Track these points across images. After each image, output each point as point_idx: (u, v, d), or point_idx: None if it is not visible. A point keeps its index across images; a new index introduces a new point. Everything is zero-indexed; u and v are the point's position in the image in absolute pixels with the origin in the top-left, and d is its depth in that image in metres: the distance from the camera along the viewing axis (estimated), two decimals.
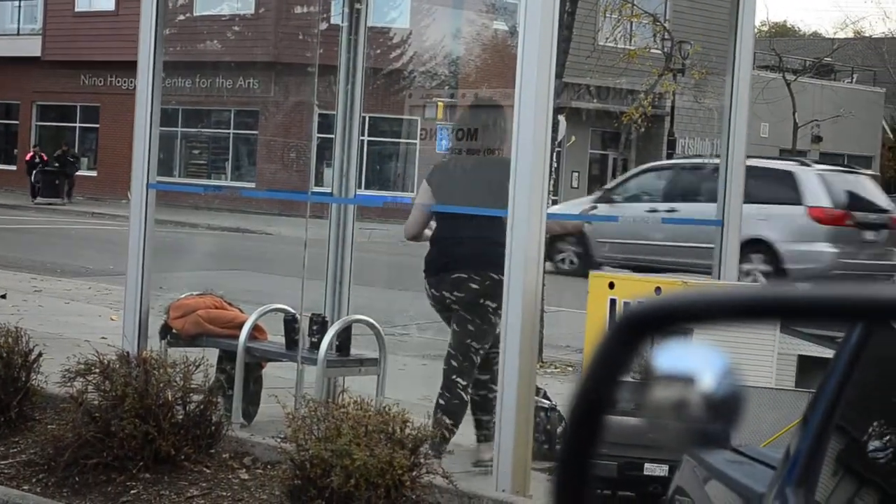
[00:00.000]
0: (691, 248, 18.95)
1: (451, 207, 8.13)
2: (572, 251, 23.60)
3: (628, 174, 25.77)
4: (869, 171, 24.96)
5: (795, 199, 21.23)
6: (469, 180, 8.20)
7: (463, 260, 8.08)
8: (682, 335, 1.92)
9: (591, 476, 1.91)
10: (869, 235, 21.43)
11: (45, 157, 43.38)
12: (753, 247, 20.05)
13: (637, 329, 1.90)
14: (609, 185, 25.72)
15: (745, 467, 3.70)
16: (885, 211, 21.92)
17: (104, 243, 24.21)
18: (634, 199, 23.03)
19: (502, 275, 7.29)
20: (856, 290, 1.87)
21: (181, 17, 37.85)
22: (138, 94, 9.15)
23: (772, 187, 20.85)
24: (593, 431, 1.90)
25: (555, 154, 15.04)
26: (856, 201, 21.54)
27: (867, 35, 63.80)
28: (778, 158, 29.43)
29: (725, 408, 1.88)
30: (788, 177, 21.56)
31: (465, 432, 8.60)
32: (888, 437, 2.59)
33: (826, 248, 20.94)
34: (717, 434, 1.92)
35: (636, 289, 7.38)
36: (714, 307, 1.93)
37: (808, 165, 23.04)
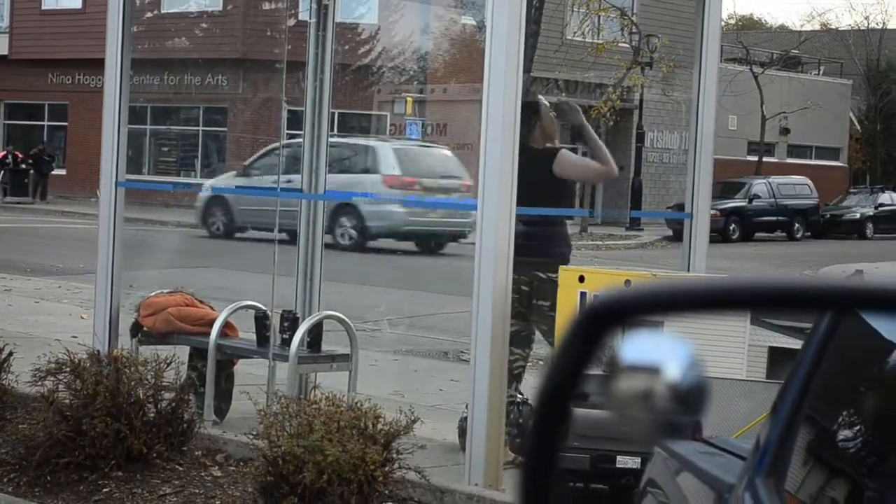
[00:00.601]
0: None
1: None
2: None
3: (262, 151, 27.92)
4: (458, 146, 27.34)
5: (375, 169, 25.85)
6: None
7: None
8: (647, 326, 1.93)
9: (558, 468, 1.92)
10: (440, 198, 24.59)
11: (21, 156, 43.16)
12: (344, 209, 24.91)
13: (600, 321, 1.92)
14: (247, 162, 28.27)
15: (716, 458, 3.72)
16: (456, 177, 24.96)
17: (74, 242, 24.13)
18: (270, 172, 24.77)
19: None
20: (819, 280, 1.89)
21: (149, 15, 37.73)
22: (106, 91, 9.12)
23: (359, 160, 26.09)
24: (559, 424, 1.91)
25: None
26: (427, 170, 25.45)
27: (834, 27, 64.07)
28: (364, 136, 32.93)
29: (691, 398, 1.90)
30: (371, 151, 26.77)
31: (437, 427, 8.61)
32: (857, 427, 2.61)
33: (396, 208, 25.25)
34: (683, 424, 1.93)
35: (606, 282, 7.40)
36: (676, 298, 1.94)
37: (387, 141, 27.87)
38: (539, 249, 8.18)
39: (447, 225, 24.45)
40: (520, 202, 7.40)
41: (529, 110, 8.34)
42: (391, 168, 25.66)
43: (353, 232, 25.31)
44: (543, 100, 8.84)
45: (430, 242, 25.31)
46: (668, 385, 1.88)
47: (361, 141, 28.67)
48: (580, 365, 1.89)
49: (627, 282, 7.10)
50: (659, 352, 1.90)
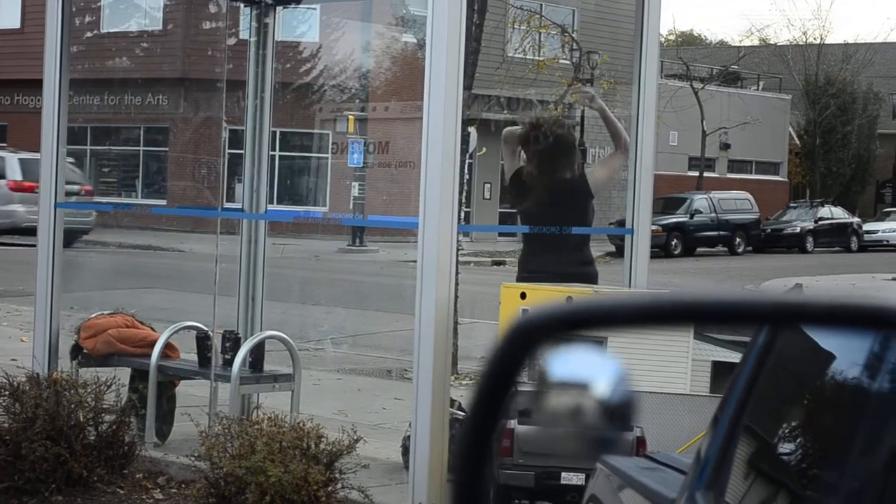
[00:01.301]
0: None
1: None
2: None
3: None
4: None
5: (3, 175, 31.23)
6: None
7: None
8: (575, 342, 1.93)
9: (486, 483, 1.91)
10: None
11: None
12: None
13: (528, 337, 1.92)
14: None
15: (658, 474, 3.72)
16: (77, 183, 27.68)
17: (12, 263, 23.92)
18: None
19: None
20: (750, 296, 1.90)
21: (88, 34, 37.51)
22: (44, 112, 9.05)
23: None
24: (487, 439, 1.91)
25: (466, 165, 15.06)
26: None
27: (772, 43, 64.58)
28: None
29: (620, 413, 1.90)
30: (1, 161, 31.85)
31: (381, 446, 8.59)
32: (797, 439, 2.62)
33: (19, 208, 29.56)
34: (612, 438, 1.94)
35: (547, 299, 7.40)
36: (603, 314, 1.95)
37: (15, 154, 32.12)
38: (581, 276, 8.38)
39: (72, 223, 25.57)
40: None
41: (568, 143, 8.81)
42: (15, 174, 31.10)
43: None
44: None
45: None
46: (597, 400, 1.88)
47: None
48: (508, 381, 1.89)
49: (569, 298, 7.12)
50: (587, 368, 1.91)
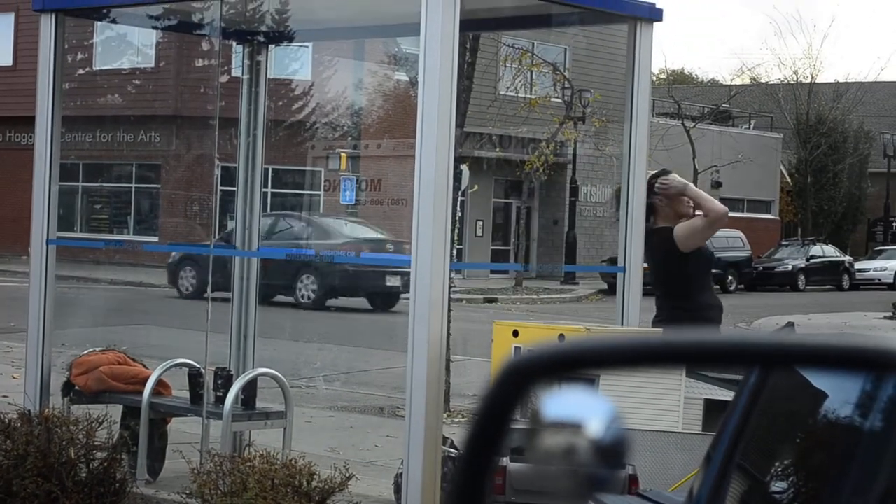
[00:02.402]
0: None
1: None
2: None
3: None
4: None
5: None
6: None
7: None
8: (569, 382, 1.94)
9: None
10: None
11: None
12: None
13: (522, 376, 1.93)
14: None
15: None
16: None
17: (5, 300, 23.88)
18: None
19: None
20: (741, 337, 1.91)
21: (81, 72, 37.56)
22: (37, 149, 9.06)
23: None
24: (481, 479, 1.91)
25: (458, 203, 15.07)
26: None
27: (763, 82, 64.74)
28: None
29: (612, 452, 1.91)
30: None
31: (373, 484, 8.57)
32: (789, 478, 2.62)
33: None
34: (605, 478, 1.94)
35: (540, 336, 7.41)
36: (597, 354, 1.95)
37: None
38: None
39: None
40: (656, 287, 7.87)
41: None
42: None
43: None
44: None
45: None
46: (589, 440, 1.89)
47: None
48: (502, 420, 1.90)
49: (561, 336, 7.12)
50: (580, 407, 1.92)
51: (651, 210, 8.33)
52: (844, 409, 2.31)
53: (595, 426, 1.89)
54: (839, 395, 2.35)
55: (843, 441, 2.29)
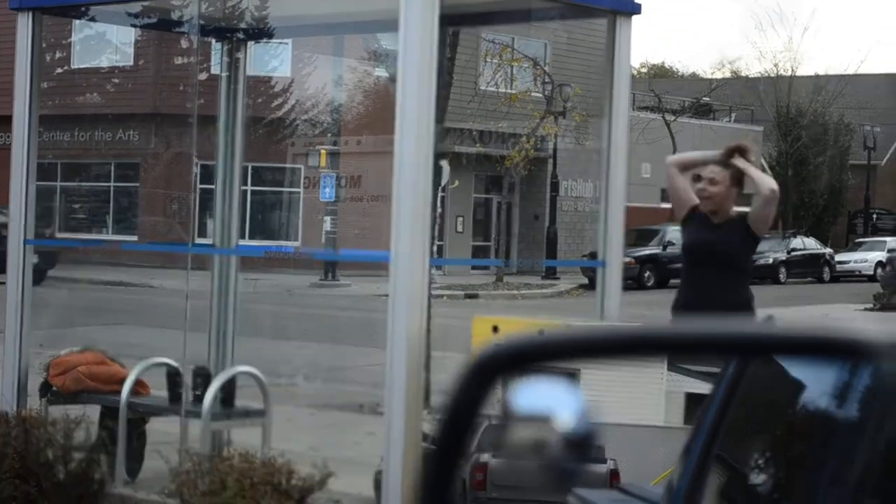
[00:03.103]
0: None
1: None
2: None
3: None
4: None
5: None
6: None
7: None
8: (538, 374, 1.92)
9: None
10: None
11: None
12: None
13: (489, 370, 1.91)
14: None
15: None
16: None
17: None
18: None
19: None
20: (707, 326, 1.89)
21: (59, 70, 37.45)
22: (14, 149, 9.01)
23: None
24: (448, 472, 1.89)
25: (439, 199, 15.06)
26: None
27: (744, 75, 64.86)
28: None
29: (583, 445, 1.89)
30: None
31: (353, 481, 8.54)
32: (768, 468, 2.61)
33: None
34: (575, 471, 1.92)
35: (520, 331, 7.38)
36: (562, 347, 1.93)
37: None
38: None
39: None
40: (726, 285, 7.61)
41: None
42: None
43: None
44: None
45: None
46: (559, 433, 1.87)
47: None
48: (469, 414, 1.88)
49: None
50: (550, 400, 1.90)
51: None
52: (821, 398, 2.30)
53: (565, 419, 1.87)
54: (816, 385, 2.34)
55: (820, 430, 2.28)
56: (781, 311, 27.51)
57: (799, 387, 2.47)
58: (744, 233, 7.95)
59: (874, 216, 63.59)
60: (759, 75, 63.22)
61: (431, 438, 1.90)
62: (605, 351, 2.03)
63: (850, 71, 63.18)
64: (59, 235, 39.23)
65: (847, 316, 28.36)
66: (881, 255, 48.07)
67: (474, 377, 1.93)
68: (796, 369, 2.48)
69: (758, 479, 2.61)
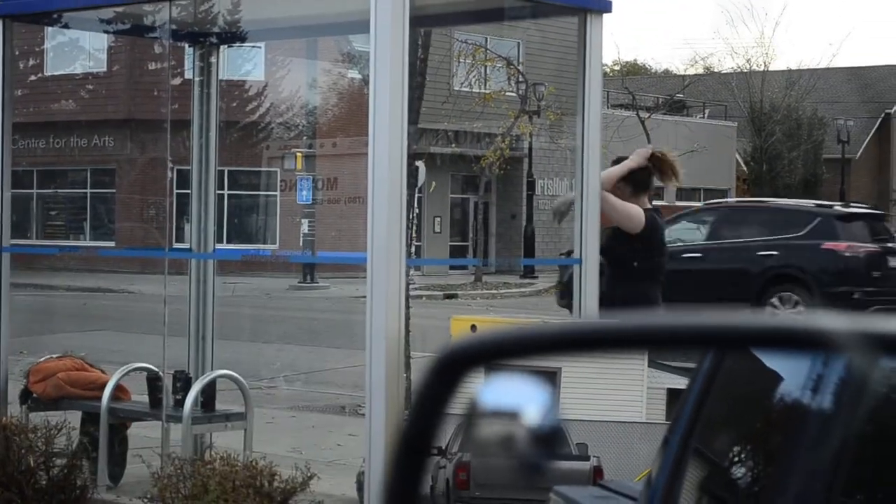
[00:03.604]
0: None
1: None
2: None
3: None
4: None
5: None
6: None
7: None
8: (504, 371, 1.95)
9: None
10: None
11: None
12: None
13: (455, 367, 1.93)
14: None
15: (611, 502, 3.73)
16: None
17: None
18: None
19: None
20: (676, 319, 1.91)
21: (32, 78, 37.36)
22: None
23: None
24: (416, 469, 1.91)
25: (416, 200, 15.07)
26: None
27: (717, 71, 64.99)
28: None
29: (550, 441, 1.91)
30: None
31: (336, 482, 8.56)
32: (746, 461, 2.63)
33: None
34: (543, 466, 1.94)
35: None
36: (527, 342, 1.95)
37: None
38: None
39: None
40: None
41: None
42: None
43: None
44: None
45: None
46: (527, 428, 1.89)
47: None
48: (435, 411, 1.90)
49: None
50: (517, 396, 1.92)
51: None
52: (796, 391, 2.32)
53: (532, 414, 1.89)
54: (791, 377, 2.36)
55: (795, 423, 2.30)
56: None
57: (775, 379, 2.50)
58: (617, 231, 8.64)
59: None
60: (731, 71, 63.37)
61: (398, 435, 1.93)
62: (574, 346, 2.05)
63: (823, 65, 63.37)
64: (36, 243, 39.12)
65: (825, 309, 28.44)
66: None
67: (441, 374, 1.95)
68: (772, 362, 2.51)
69: (734, 471, 2.64)
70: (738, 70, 62.76)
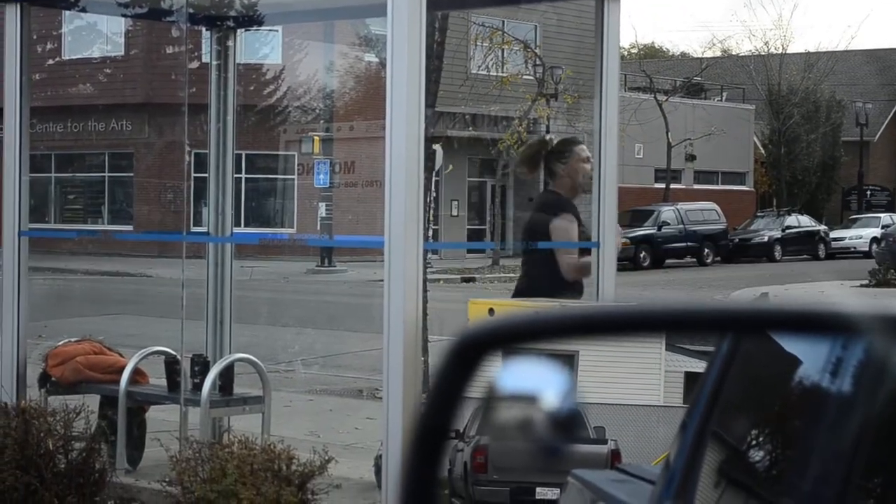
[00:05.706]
0: None
1: None
2: None
3: None
4: None
5: None
6: None
7: None
8: (522, 354, 1.94)
9: (435, 499, 1.92)
10: None
11: None
12: None
13: (472, 351, 1.92)
14: None
15: (629, 486, 3.72)
16: None
17: None
18: None
19: None
20: (696, 304, 1.91)
21: (50, 62, 37.42)
22: (6, 141, 9.01)
23: None
24: (434, 454, 1.91)
25: (433, 183, 15.08)
26: None
27: (734, 53, 64.84)
28: None
29: (568, 425, 1.91)
30: None
31: (353, 466, 8.57)
32: (765, 444, 2.63)
33: None
34: (559, 451, 1.94)
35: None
36: (545, 326, 1.95)
37: None
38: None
39: None
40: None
41: (566, 146, 8.77)
42: None
43: None
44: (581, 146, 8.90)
45: None
46: (544, 412, 1.89)
47: None
48: (452, 396, 1.89)
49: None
50: (534, 379, 1.91)
51: (550, 173, 8.63)
52: (815, 374, 2.32)
53: (550, 398, 1.89)
54: (810, 360, 2.35)
55: (815, 406, 2.30)
56: (776, 288, 27.56)
57: (794, 363, 2.49)
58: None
59: (868, 192, 63.62)
60: (749, 54, 63.22)
61: (416, 419, 1.93)
62: (592, 329, 2.05)
63: (841, 47, 63.22)
64: (54, 226, 39.21)
65: (844, 293, 28.39)
66: (876, 232, 48.12)
67: (458, 357, 1.94)
68: (791, 345, 2.50)
69: (753, 454, 2.63)
70: (756, 52, 62.63)
